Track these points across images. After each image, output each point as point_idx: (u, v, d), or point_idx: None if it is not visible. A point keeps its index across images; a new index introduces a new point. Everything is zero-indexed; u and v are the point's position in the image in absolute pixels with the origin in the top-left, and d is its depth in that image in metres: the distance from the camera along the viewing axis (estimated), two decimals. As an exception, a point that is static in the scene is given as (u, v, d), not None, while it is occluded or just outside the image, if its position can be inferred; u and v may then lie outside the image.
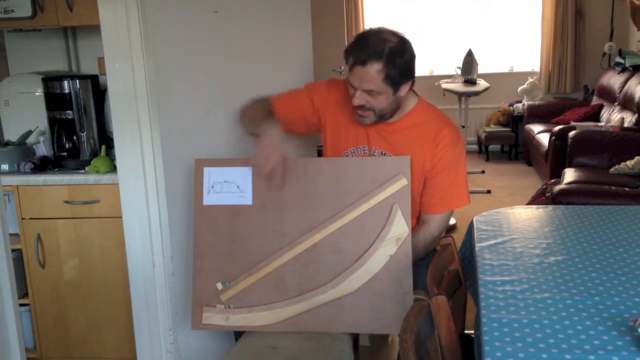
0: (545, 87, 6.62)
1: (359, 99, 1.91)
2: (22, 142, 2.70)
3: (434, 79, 6.36)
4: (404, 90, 1.93)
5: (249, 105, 2.09)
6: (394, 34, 1.90)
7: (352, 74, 1.89)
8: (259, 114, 2.02)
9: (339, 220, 1.89)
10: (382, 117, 1.98)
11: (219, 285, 1.93)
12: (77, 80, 2.57)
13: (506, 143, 6.62)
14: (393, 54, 1.85)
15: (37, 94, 2.71)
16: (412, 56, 1.91)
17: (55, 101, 2.58)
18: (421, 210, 2.06)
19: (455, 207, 2.07)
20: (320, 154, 2.17)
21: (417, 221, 2.08)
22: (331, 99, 2.12)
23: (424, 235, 2.02)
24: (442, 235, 2.07)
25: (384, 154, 2.02)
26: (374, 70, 1.84)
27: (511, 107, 6.62)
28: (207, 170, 1.97)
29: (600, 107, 5.67)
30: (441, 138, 1.99)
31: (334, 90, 2.12)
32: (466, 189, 2.07)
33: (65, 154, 2.60)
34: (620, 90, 5.27)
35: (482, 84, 5.46)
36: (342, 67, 4.79)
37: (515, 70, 6.90)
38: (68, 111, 2.57)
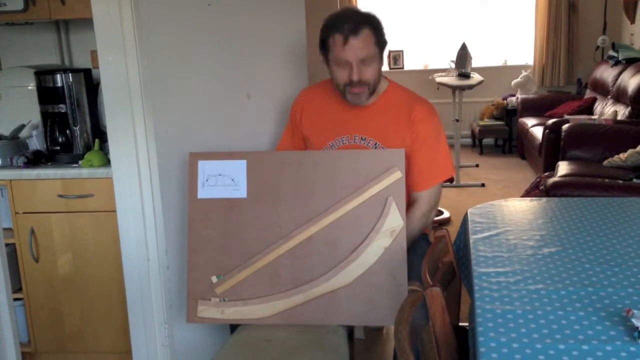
0: (538, 81, 6.64)
1: (357, 73, 1.93)
2: (14, 136, 2.69)
3: (428, 72, 6.37)
4: (383, 61, 2.01)
5: None
6: (357, 8, 2.02)
7: (346, 49, 1.91)
8: None
9: (334, 213, 1.89)
10: (372, 92, 2.01)
11: (214, 279, 1.92)
12: (70, 74, 2.56)
13: (500, 137, 6.64)
14: (373, 20, 1.96)
15: (29, 87, 2.69)
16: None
17: (48, 95, 2.57)
18: (409, 190, 2.07)
19: (440, 180, 2.08)
20: None
21: (407, 203, 2.09)
22: (307, 102, 2.17)
23: (415, 214, 2.04)
24: (434, 213, 2.11)
25: (364, 139, 2.04)
26: (366, 35, 1.91)
27: (505, 101, 6.63)
28: (201, 163, 1.97)
29: (594, 100, 5.68)
30: (415, 115, 2.03)
31: (305, 95, 2.20)
32: (449, 160, 2.11)
33: (58, 147, 2.59)
34: (614, 84, 5.29)
35: (475, 77, 5.48)
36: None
37: (509, 63, 6.91)
38: (61, 105, 2.56)
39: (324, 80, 2.17)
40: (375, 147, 2.03)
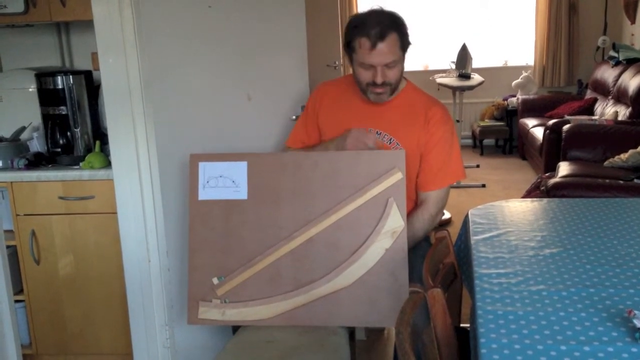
0: (539, 81, 6.63)
1: (381, 75, 1.95)
2: (15, 138, 2.69)
3: (429, 73, 6.37)
4: (405, 59, 2.03)
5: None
6: (382, 9, 2.00)
7: (373, 54, 1.92)
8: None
9: (335, 214, 1.89)
10: (394, 90, 2.03)
11: (215, 280, 1.92)
12: (71, 76, 2.56)
13: (500, 137, 6.63)
14: (399, 22, 1.97)
15: (30, 89, 2.69)
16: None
17: (48, 97, 2.57)
18: (418, 190, 2.09)
19: (451, 182, 2.10)
20: None
21: (414, 204, 2.10)
22: (325, 95, 2.17)
23: (422, 214, 2.05)
24: (441, 216, 2.12)
25: (379, 134, 2.05)
26: (392, 40, 1.93)
27: (505, 102, 6.63)
28: (202, 165, 1.97)
29: (594, 100, 5.68)
30: (431, 116, 2.05)
31: (323, 88, 2.20)
32: (461, 164, 2.13)
33: (59, 149, 2.59)
34: (614, 84, 5.29)
35: (476, 78, 5.48)
36: (337, 63, 4.78)
37: (509, 64, 6.91)
38: (62, 107, 2.56)
39: (343, 76, 2.22)
40: (390, 142, 2.04)
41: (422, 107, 2.07)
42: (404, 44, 1.97)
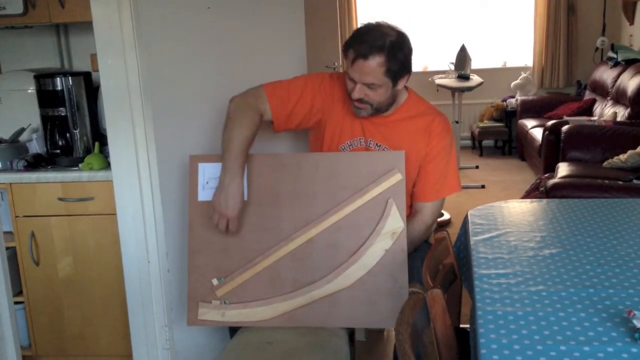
0: (538, 82, 6.64)
1: (358, 92, 1.93)
2: (14, 140, 2.69)
3: (428, 74, 6.37)
4: (401, 84, 1.97)
5: (239, 110, 1.97)
6: (393, 28, 1.93)
7: (353, 68, 1.90)
8: (240, 133, 1.89)
9: (334, 215, 1.89)
10: (379, 110, 2.00)
11: (215, 281, 1.92)
12: (70, 77, 2.56)
13: (500, 138, 6.64)
14: (394, 47, 1.87)
15: (29, 91, 2.69)
16: (410, 50, 1.94)
17: (47, 98, 2.57)
18: (414, 200, 2.08)
19: (447, 194, 2.09)
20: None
21: (410, 210, 2.09)
22: (336, 93, 2.10)
23: (418, 224, 2.04)
24: (435, 225, 2.10)
25: (379, 146, 2.03)
26: (375, 63, 1.86)
27: (504, 103, 6.63)
28: (201, 166, 1.97)
29: (593, 101, 5.69)
30: (433, 128, 2.03)
31: (336, 83, 2.11)
32: (457, 176, 2.11)
33: (58, 151, 2.59)
34: (613, 85, 5.29)
35: (475, 79, 5.48)
36: (336, 64, 4.78)
37: (508, 65, 6.91)
38: (61, 108, 2.56)
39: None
40: None
41: (423, 119, 2.04)
42: (393, 70, 1.88)
